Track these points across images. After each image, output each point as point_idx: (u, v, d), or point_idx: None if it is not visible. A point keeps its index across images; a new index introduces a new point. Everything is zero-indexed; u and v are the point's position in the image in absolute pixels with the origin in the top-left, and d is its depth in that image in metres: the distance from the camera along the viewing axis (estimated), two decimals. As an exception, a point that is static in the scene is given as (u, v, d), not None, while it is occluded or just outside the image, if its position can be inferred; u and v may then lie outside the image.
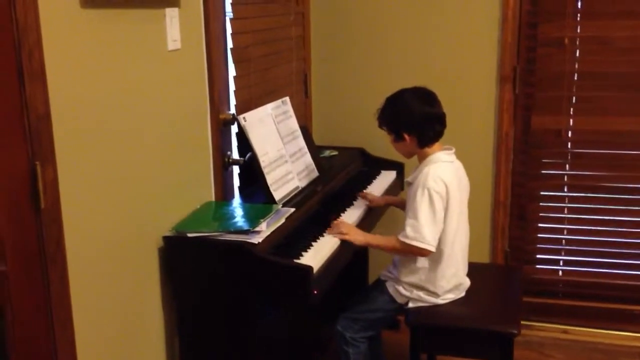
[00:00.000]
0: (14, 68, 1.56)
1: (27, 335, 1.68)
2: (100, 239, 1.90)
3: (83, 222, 1.81)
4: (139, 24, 2.04)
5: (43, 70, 1.62)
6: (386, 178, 3.19)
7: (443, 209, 2.42)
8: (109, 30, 1.89)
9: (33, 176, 1.62)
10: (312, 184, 2.76)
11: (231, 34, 2.59)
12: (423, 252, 2.42)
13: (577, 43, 3.20)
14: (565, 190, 3.40)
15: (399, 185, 3.24)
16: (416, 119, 2.45)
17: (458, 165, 2.56)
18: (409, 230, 2.40)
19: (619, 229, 3.35)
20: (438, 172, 2.42)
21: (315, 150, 2.93)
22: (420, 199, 2.40)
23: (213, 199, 2.51)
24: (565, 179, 3.39)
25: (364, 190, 2.90)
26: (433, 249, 2.41)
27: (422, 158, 2.51)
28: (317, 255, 2.26)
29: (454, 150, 2.53)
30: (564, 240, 3.43)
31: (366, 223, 2.68)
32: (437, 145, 2.51)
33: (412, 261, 2.51)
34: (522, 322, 2.53)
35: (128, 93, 2.00)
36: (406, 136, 2.47)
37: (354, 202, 2.79)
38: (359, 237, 2.46)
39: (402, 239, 2.42)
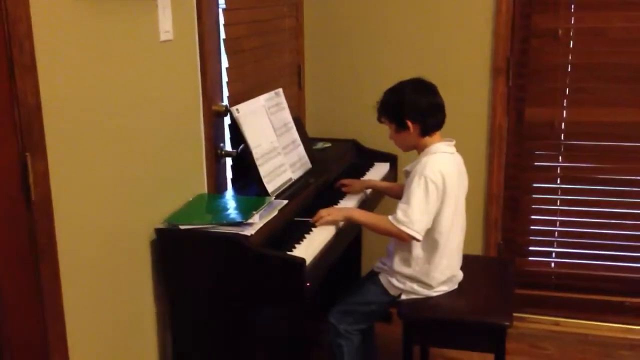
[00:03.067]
0: (4, 60, 1.54)
1: (19, 329, 1.67)
2: (92, 232, 1.89)
3: (74, 215, 1.80)
4: (130, 15, 2.03)
5: (34, 62, 1.61)
6: (379, 170, 3.19)
7: (437, 200, 2.42)
8: (100, 21, 1.88)
9: (23, 168, 1.61)
10: (305, 176, 2.75)
11: (224, 25, 2.57)
12: (408, 238, 2.42)
13: (571, 34, 3.20)
14: (558, 182, 3.40)
15: (392, 177, 3.24)
16: (420, 106, 2.46)
17: (459, 158, 2.56)
18: (399, 214, 2.40)
19: (612, 221, 3.36)
20: (437, 163, 2.42)
21: (308, 142, 2.93)
22: (416, 187, 2.40)
23: (205, 191, 2.50)
24: (558, 170, 3.39)
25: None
26: (420, 238, 2.41)
27: (422, 149, 2.51)
28: (309, 247, 2.26)
29: (454, 142, 2.53)
30: (556, 232, 3.44)
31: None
32: (437, 136, 2.51)
33: (407, 251, 2.51)
34: (515, 314, 2.54)
35: (119, 84, 1.98)
36: (410, 124, 2.46)
37: (347, 194, 2.79)
38: (338, 215, 2.47)
39: (392, 220, 2.41)
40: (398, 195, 2.64)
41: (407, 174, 2.53)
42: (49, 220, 1.69)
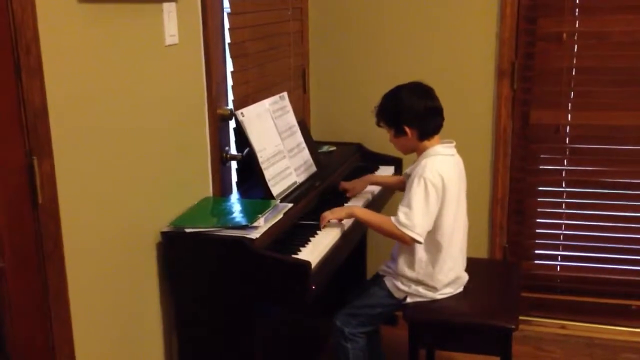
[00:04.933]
0: (11, 63, 1.55)
1: (26, 331, 1.68)
2: (98, 234, 1.90)
3: (81, 218, 1.81)
4: (136, 19, 2.04)
5: (40, 66, 1.62)
6: (384, 173, 3.18)
7: (437, 202, 2.42)
8: (106, 25, 1.89)
9: (30, 171, 1.61)
10: (310, 179, 2.76)
11: (229, 29, 2.58)
12: (410, 241, 2.42)
13: (576, 38, 3.20)
14: (563, 185, 3.40)
15: (397, 181, 3.24)
16: (417, 111, 2.46)
17: (458, 159, 2.56)
18: (401, 216, 2.40)
19: (617, 224, 3.35)
20: (436, 165, 2.43)
21: (313, 145, 2.93)
22: (416, 189, 2.40)
23: (211, 194, 2.51)
24: (564, 174, 3.39)
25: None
26: (422, 240, 2.41)
27: (421, 151, 2.51)
28: (315, 250, 2.26)
29: (454, 143, 2.53)
30: (562, 236, 3.44)
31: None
32: (436, 138, 2.51)
33: (411, 254, 2.51)
34: (520, 318, 2.54)
35: (125, 88, 1.99)
36: (407, 130, 2.47)
37: (352, 197, 2.79)
38: (340, 213, 2.47)
39: (394, 222, 2.41)
40: (400, 187, 2.65)
41: (408, 176, 2.53)
42: (56, 223, 1.70)
